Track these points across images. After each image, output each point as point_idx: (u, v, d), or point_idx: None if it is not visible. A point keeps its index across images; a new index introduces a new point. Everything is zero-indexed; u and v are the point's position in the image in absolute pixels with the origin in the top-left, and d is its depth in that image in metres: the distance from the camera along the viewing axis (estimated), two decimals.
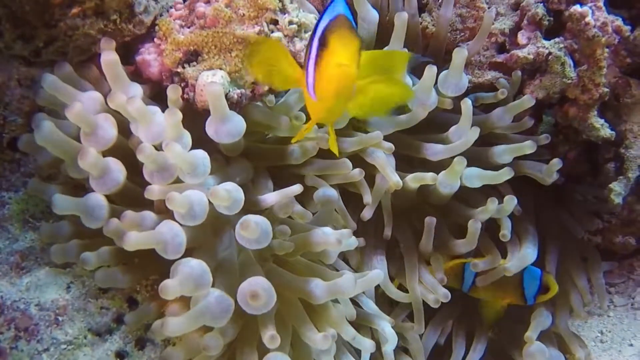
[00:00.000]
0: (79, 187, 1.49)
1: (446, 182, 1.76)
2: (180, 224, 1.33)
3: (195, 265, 1.30)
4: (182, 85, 1.51)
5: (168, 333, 1.29)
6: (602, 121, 1.87)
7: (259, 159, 1.65)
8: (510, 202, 1.77)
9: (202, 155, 1.39)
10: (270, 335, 1.31)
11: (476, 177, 1.78)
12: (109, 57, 1.43)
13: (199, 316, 1.29)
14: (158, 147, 1.37)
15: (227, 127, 1.45)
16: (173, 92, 1.46)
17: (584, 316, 2.12)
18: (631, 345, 2.07)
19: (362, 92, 1.26)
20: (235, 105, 1.49)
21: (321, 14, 1.27)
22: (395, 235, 1.88)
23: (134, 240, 1.26)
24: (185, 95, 1.50)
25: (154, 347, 1.40)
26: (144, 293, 1.45)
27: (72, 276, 1.41)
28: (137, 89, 1.48)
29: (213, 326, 1.31)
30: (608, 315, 2.27)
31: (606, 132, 1.86)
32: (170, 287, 1.25)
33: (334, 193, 1.66)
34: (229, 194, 1.34)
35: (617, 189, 1.86)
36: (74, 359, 1.34)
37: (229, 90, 1.47)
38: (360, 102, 1.28)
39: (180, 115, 1.37)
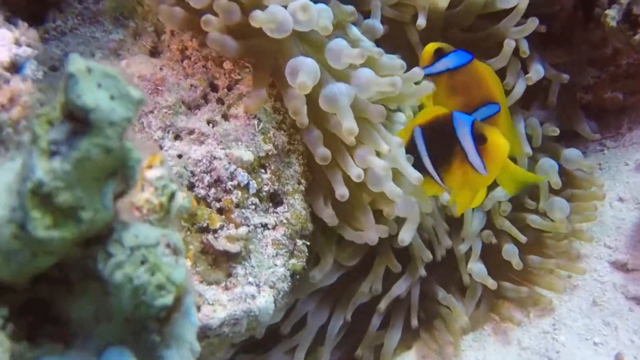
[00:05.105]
0: None
1: None
2: None
3: (310, 61, 1.54)
4: None
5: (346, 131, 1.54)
6: None
7: None
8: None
9: None
10: None
11: None
12: None
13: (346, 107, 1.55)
14: None
15: None
16: None
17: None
18: (627, 164, 2.36)
19: None
20: None
21: None
22: None
23: (261, 17, 1.49)
24: None
25: (236, 119, 1.61)
26: (224, 79, 1.65)
27: (161, 61, 1.61)
28: None
29: None
30: (603, 153, 2.56)
31: None
32: (306, 82, 1.50)
33: (380, 25, 1.87)
34: None
35: (612, 13, 2.14)
36: (174, 122, 1.52)
37: None
38: None
39: None
